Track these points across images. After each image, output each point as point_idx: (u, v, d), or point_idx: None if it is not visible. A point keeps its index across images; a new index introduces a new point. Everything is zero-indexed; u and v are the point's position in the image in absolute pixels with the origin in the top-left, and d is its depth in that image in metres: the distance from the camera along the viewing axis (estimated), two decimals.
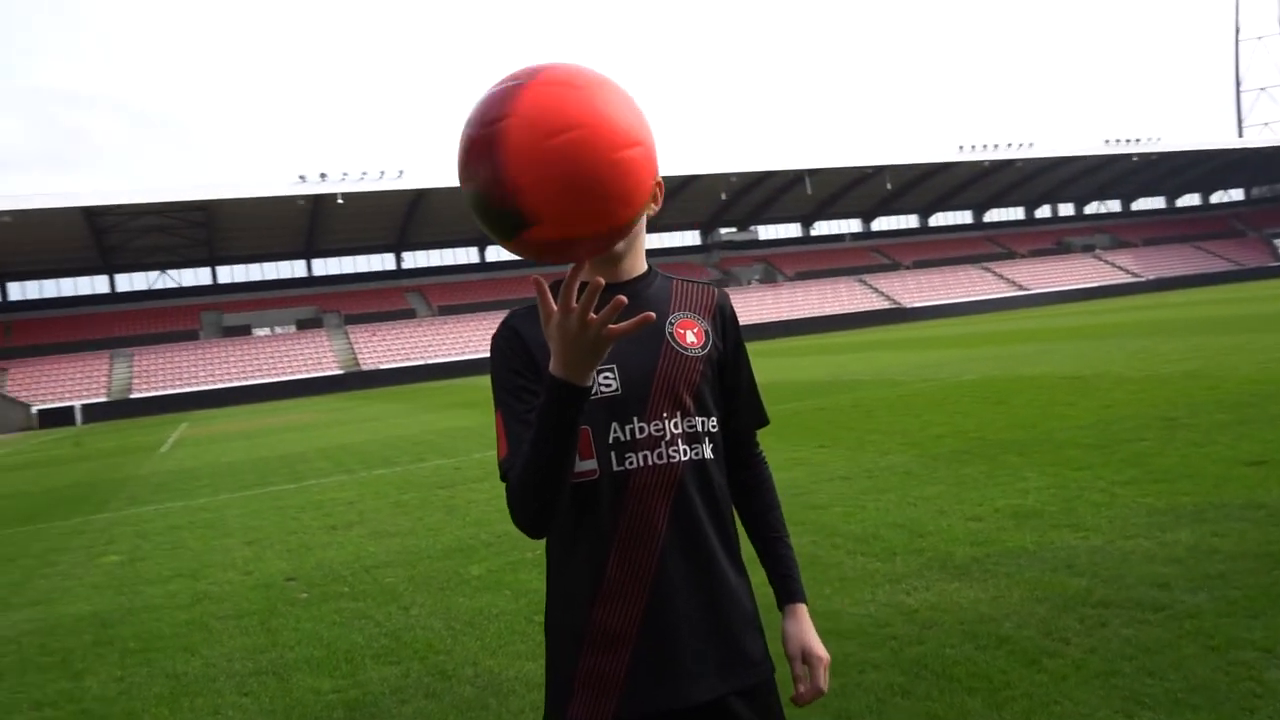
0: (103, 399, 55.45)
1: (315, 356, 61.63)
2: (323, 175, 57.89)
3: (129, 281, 66.90)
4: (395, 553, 7.06)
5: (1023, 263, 79.36)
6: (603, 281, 1.34)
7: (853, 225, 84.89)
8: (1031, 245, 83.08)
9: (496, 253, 74.51)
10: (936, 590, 4.70)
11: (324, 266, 71.60)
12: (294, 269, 71.06)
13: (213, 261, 68.09)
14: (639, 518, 1.59)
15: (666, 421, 1.62)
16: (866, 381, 17.80)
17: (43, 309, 64.20)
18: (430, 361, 61.39)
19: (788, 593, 1.76)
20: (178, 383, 57.36)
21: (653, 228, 79.73)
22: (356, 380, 59.00)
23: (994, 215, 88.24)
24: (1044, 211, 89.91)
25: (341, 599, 5.87)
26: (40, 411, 53.53)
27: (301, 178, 57.93)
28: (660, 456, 1.61)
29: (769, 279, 77.23)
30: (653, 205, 1.71)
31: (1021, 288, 74.37)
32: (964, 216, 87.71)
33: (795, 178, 71.09)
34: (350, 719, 3.92)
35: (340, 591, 6.07)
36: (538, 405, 1.47)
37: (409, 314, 68.48)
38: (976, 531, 5.72)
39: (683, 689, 1.57)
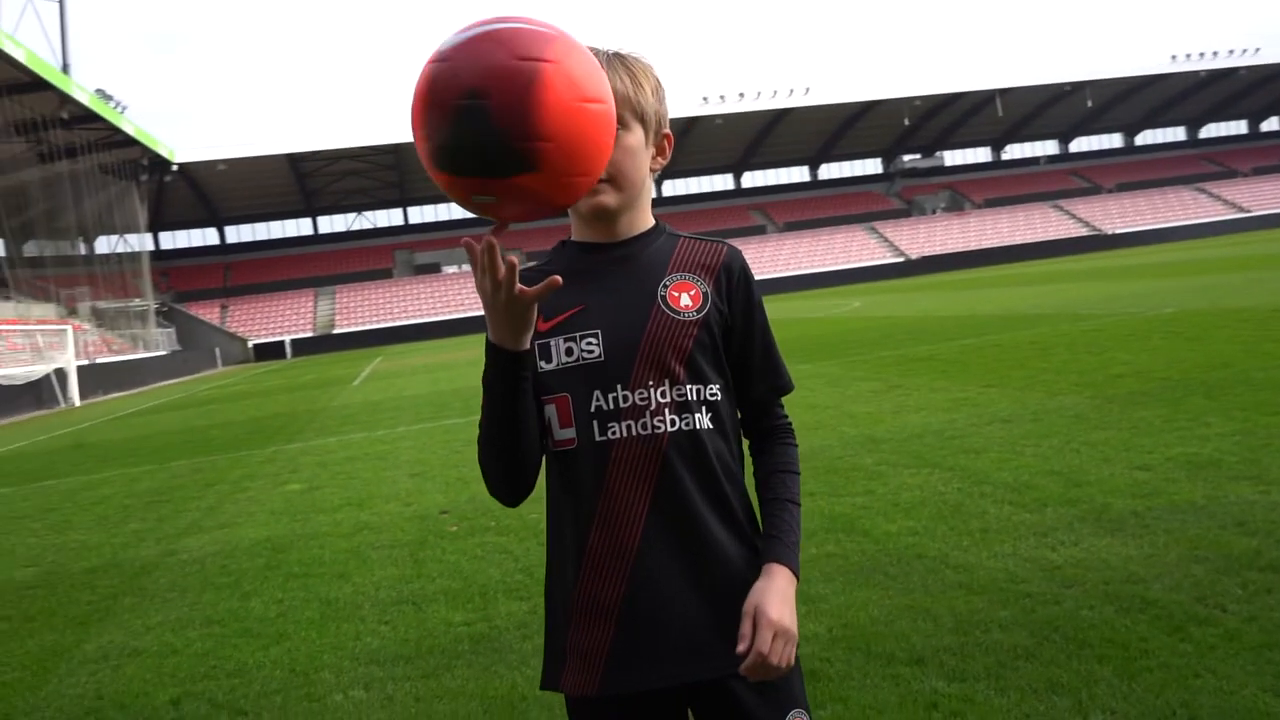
0: (309, 334, 59.61)
1: None
2: None
3: (329, 223, 71.20)
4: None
5: (1245, 182, 72.53)
6: (495, 241, 1.32)
7: (1048, 147, 79.80)
8: (1256, 162, 75.68)
9: (673, 187, 74.49)
10: (1085, 546, 4.39)
11: None
12: None
13: (404, 203, 71.33)
14: (621, 490, 1.52)
15: (652, 390, 1.52)
16: (1049, 315, 16.79)
17: (256, 251, 69.28)
18: None
19: (768, 552, 1.56)
20: (374, 319, 60.84)
21: (829, 157, 78.15)
22: None
23: (1211, 131, 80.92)
24: (1271, 124, 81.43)
25: (487, 533, 6.09)
26: (256, 345, 58.15)
27: None
28: (644, 427, 1.52)
29: (955, 207, 73.89)
30: (659, 159, 1.63)
31: (1242, 209, 68.12)
32: (1176, 133, 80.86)
33: (985, 98, 67.31)
34: (474, 650, 4.07)
35: (487, 525, 6.29)
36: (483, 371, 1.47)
37: None
38: (1141, 482, 5.30)
39: (667, 668, 1.51)
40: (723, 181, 75.77)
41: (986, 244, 66.03)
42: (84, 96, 40.92)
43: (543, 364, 1.55)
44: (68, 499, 9.93)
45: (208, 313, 61.11)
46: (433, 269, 67.90)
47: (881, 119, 69.16)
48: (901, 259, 65.59)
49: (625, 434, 1.52)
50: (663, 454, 1.52)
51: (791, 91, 63.52)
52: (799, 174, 77.88)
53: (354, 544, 6.25)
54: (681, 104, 62.02)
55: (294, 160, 60.58)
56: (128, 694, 4.09)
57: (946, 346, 13.77)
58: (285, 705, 3.76)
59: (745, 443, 1.69)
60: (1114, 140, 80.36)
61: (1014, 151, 79.41)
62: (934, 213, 72.97)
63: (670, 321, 1.55)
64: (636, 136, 1.55)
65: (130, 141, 46.73)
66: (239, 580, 5.71)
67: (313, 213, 69.96)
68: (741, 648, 1.46)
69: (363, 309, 62.00)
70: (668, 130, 1.63)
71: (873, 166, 78.72)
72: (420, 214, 72.35)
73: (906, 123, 69.06)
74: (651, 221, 1.66)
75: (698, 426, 1.55)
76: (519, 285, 1.36)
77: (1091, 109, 71.11)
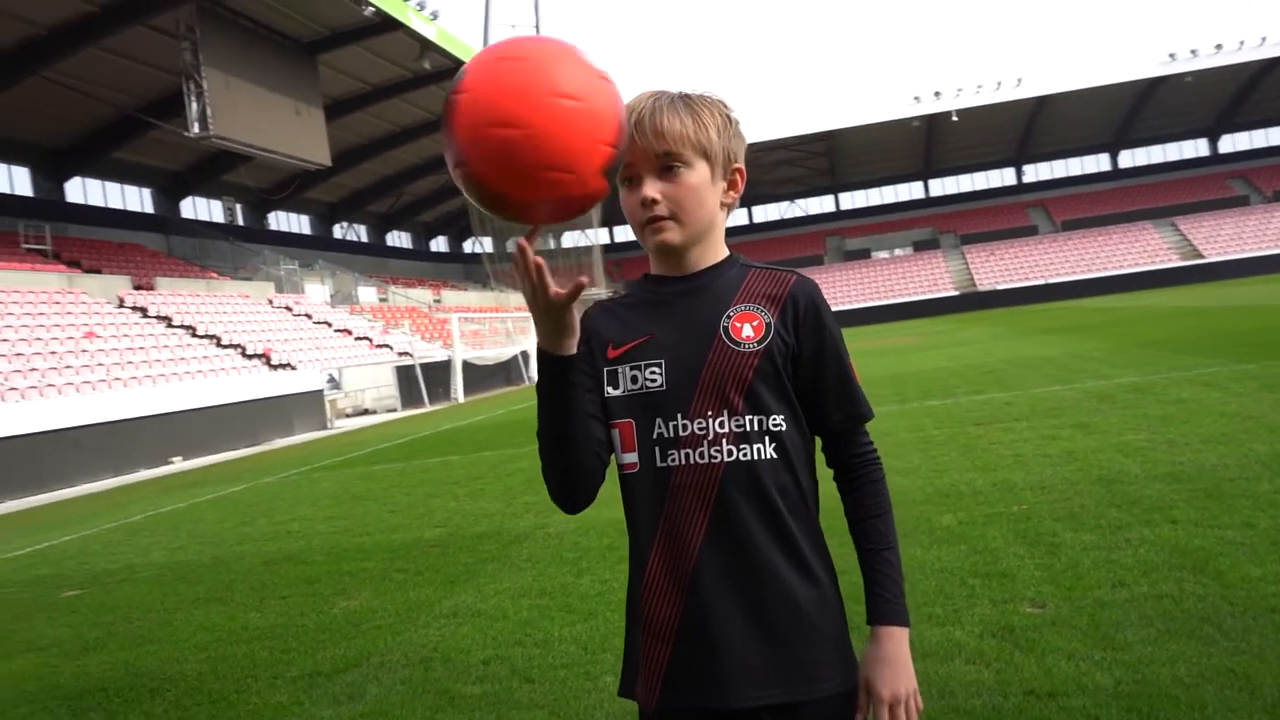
0: None
1: (931, 278, 62.10)
2: (936, 93, 57.34)
3: (764, 212, 73.78)
4: None
5: None
6: (524, 244, 1.39)
7: None
8: None
9: (1131, 158, 67.14)
10: None
11: (940, 186, 71.27)
12: (911, 191, 71.92)
13: (835, 189, 71.81)
14: (678, 516, 1.58)
15: (711, 420, 1.58)
16: None
17: None
18: (1051, 281, 58.06)
19: (873, 612, 1.63)
20: None
21: None
22: (972, 301, 58.20)
23: None
24: None
25: None
26: None
27: (916, 98, 58.04)
28: (702, 456, 1.58)
29: None
30: (731, 192, 1.69)
31: None
32: None
33: None
34: None
35: None
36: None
37: (1029, 231, 65.33)
38: None
39: (715, 691, 1.56)
40: (1193, 148, 66.75)
41: None
42: None
43: (610, 390, 1.65)
44: (491, 469, 11.45)
45: None
46: (862, 255, 67.70)
47: None
48: None
49: (684, 461, 1.58)
50: (719, 483, 1.57)
51: None
52: None
53: None
54: (1138, 65, 55.66)
55: None
56: (455, 649, 4.71)
57: None
58: (565, 680, 4.10)
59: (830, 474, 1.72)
60: None
61: None
62: None
63: (730, 353, 1.60)
64: (700, 173, 1.62)
65: None
66: (581, 557, 6.26)
67: (748, 202, 72.91)
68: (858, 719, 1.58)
69: None
70: (739, 164, 1.69)
71: None
72: (851, 200, 72.40)
73: None
74: (724, 254, 1.71)
75: (757, 457, 1.59)
76: (553, 289, 1.44)
77: None
